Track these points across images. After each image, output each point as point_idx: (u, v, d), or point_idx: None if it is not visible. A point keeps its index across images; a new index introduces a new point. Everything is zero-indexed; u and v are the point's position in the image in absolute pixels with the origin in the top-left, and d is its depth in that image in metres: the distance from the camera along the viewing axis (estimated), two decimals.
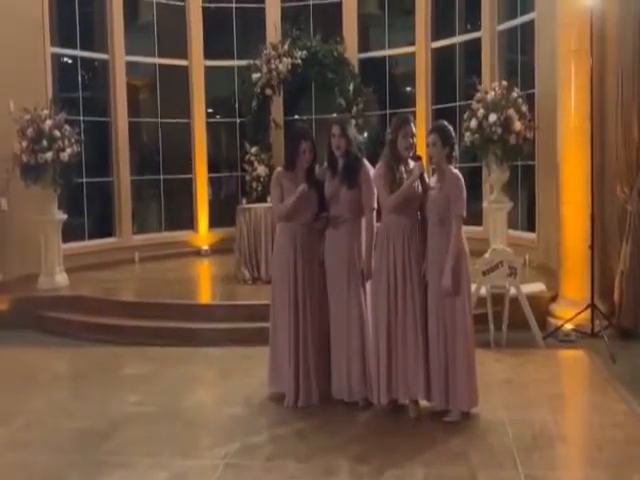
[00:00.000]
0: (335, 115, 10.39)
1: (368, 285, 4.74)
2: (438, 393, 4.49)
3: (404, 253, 4.52)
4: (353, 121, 5.07)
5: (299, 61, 10.43)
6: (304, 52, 10.43)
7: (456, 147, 4.63)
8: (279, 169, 4.99)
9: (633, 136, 6.40)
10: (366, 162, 4.78)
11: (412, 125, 4.62)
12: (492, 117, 7.31)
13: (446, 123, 4.66)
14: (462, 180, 4.52)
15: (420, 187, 4.57)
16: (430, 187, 4.57)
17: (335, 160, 4.80)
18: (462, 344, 4.43)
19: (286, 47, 10.47)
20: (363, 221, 4.77)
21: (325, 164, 4.88)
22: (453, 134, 4.61)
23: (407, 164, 4.60)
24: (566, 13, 6.80)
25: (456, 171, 4.56)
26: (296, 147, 4.82)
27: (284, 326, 4.78)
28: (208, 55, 11.38)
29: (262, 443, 4.25)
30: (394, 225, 4.56)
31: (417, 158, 4.57)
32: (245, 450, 4.15)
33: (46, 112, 8.05)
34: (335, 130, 4.74)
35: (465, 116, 7.69)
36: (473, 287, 5.11)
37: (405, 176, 4.54)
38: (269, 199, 6.37)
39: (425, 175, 4.62)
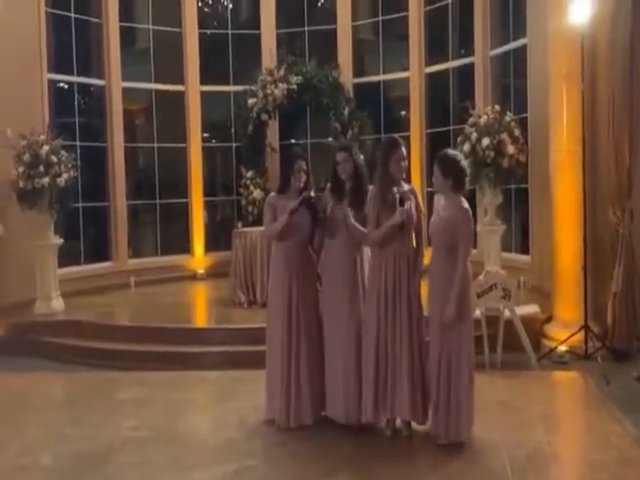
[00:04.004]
0: (330, 139, 10.50)
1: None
2: (436, 419, 4.44)
3: (395, 276, 4.50)
4: (356, 146, 5.07)
5: (294, 86, 10.52)
6: (299, 77, 10.53)
7: (465, 176, 4.45)
8: (272, 194, 5.06)
9: (624, 159, 6.48)
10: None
11: (403, 148, 4.59)
12: (485, 141, 7.40)
13: (448, 153, 4.55)
14: (469, 212, 4.39)
15: (415, 213, 4.52)
16: (431, 211, 4.54)
17: (341, 185, 4.77)
18: (466, 371, 4.36)
19: (282, 72, 10.56)
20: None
21: (328, 186, 4.86)
22: (456, 164, 4.43)
23: (400, 185, 4.57)
24: (557, 39, 6.92)
25: (464, 205, 4.39)
26: (291, 166, 4.89)
27: (277, 343, 4.79)
28: (204, 80, 11.47)
29: (258, 465, 4.26)
30: (384, 251, 4.55)
31: (402, 202, 4.46)
32: (242, 472, 4.16)
33: (43, 138, 8.11)
34: (339, 157, 4.73)
35: (458, 140, 7.79)
36: None
37: (397, 197, 4.47)
38: None
39: (419, 200, 4.63)
